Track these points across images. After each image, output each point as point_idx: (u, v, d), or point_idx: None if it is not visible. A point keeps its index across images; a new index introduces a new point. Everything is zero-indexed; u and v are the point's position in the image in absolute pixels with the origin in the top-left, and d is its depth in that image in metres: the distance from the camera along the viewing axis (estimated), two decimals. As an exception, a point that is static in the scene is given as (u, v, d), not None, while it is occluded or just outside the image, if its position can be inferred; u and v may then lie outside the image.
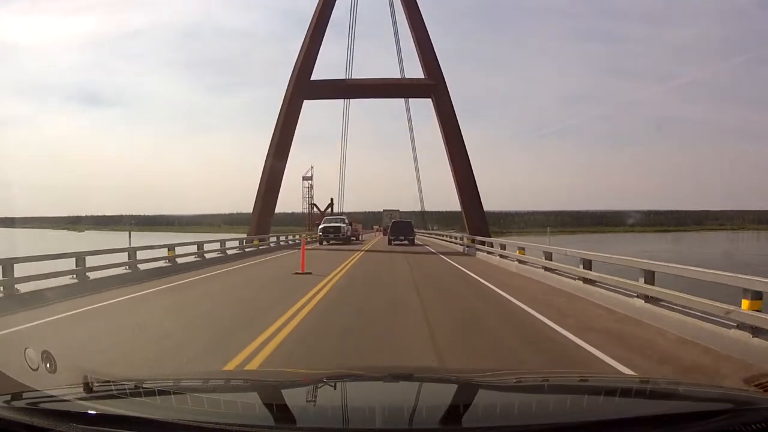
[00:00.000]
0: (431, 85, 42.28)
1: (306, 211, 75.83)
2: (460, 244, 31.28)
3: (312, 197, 75.60)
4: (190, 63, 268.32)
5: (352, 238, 44.29)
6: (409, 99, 55.38)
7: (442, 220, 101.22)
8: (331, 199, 67.91)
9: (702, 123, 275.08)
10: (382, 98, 50.79)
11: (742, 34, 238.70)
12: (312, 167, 79.32)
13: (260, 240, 31.85)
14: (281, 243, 34.62)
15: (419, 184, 71.60)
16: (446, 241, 39.70)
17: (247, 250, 27.46)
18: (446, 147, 42.10)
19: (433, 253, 29.54)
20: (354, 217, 58.22)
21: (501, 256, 19.86)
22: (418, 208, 75.59)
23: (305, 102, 43.05)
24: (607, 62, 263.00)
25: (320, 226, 40.66)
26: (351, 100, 52.51)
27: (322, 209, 65.60)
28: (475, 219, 40.53)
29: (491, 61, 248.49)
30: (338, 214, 58.60)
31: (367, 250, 31.04)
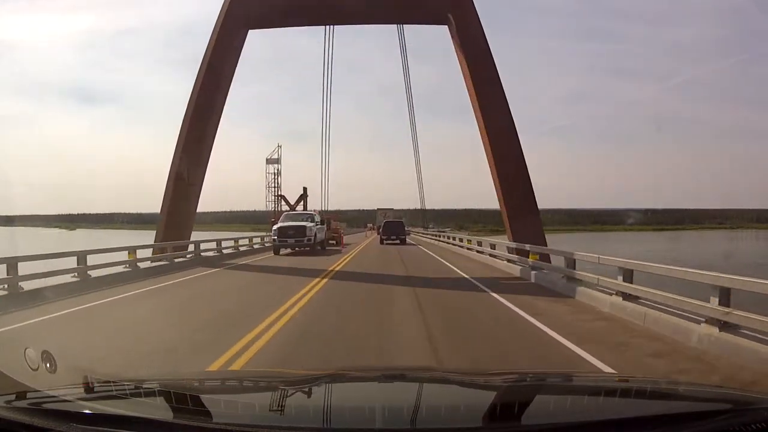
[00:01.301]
0: (447, 2, 24.36)
1: (272, 205, 56.46)
2: (506, 259, 18.17)
3: (279, 186, 56.65)
4: (187, 61, 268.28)
5: (331, 241, 33.89)
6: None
7: (437, 218, 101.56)
8: (304, 189, 50.03)
9: (701, 122, 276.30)
10: (370, 24, 33.33)
11: (743, 34, 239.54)
12: (279, 147, 60.64)
13: (159, 252, 19.62)
14: (204, 254, 21.94)
15: (420, 179, 69.66)
16: (461, 247, 27.08)
17: (112, 271, 15.15)
18: (476, 103, 24.04)
19: (474, 286, 13.79)
20: (336, 215, 47.02)
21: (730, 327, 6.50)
22: (416, 206, 75.04)
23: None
24: (606, 62, 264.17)
25: (275, 227, 27.29)
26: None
27: (293, 202, 49.45)
28: (522, 218, 22.56)
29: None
30: (323, 210, 45.17)
31: (337, 274, 16.70)
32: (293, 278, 15.34)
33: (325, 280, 14.66)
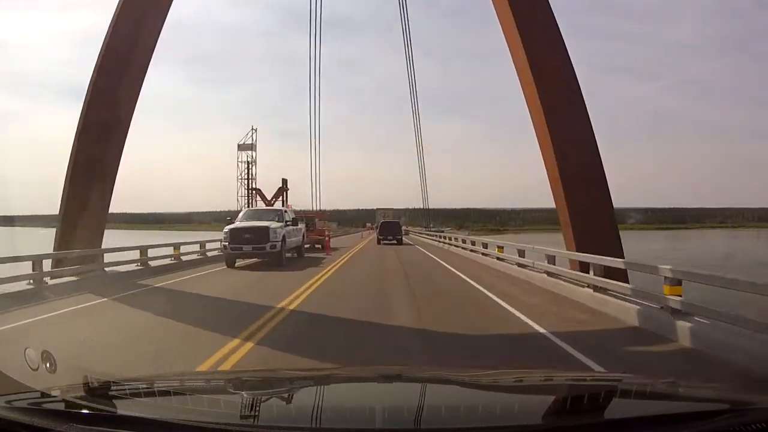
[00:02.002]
0: None
1: (245, 201, 46.80)
2: (588, 284, 10.61)
3: (254, 178, 45.97)
4: (183, 59, 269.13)
5: (317, 245, 29.36)
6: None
7: (436, 217, 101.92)
8: (284, 181, 41.55)
9: (700, 121, 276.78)
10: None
11: (743, 33, 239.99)
12: (254, 130, 48.76)
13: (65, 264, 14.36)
14: (121, 269, 16.35)
15: (423, 178, 67.82)
16: (485, 255, 20.01)
17: None
18: (523, 56, 15.38)
19: (590, 372, 5.50)
20: (321, 213, 38.92)
21: None
22: (416, 205, 75.25)
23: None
24: (604, 60, 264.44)
25: (226, 228, 19.67)
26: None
27: (269, 197, 41.43)
28: (590, 220, 14.58)
29: (486, 57, 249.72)
30: (307, 209, 37.29)
31: (286, 321, 8.97)
32: (195, 334, 8.14)
33: (248, 346, 7.07)
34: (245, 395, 2.42)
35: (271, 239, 19.15)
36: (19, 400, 1.83)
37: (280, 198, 41.23)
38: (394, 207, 76.51)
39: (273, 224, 19.82)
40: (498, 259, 18.24)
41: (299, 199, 48.71)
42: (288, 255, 21.67)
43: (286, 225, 20.96)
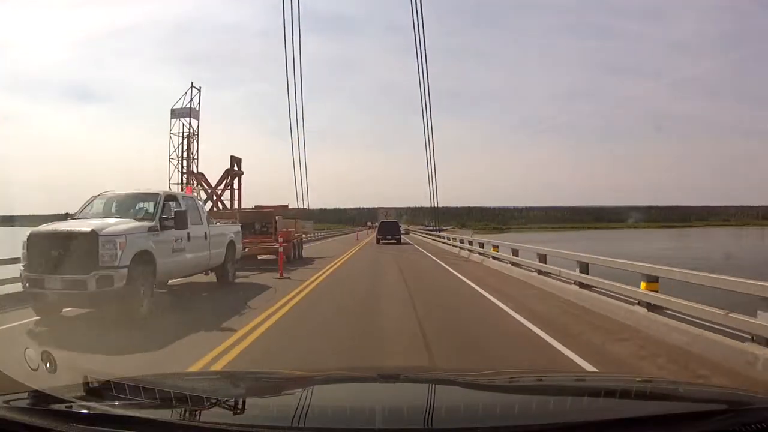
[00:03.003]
0: None
1: (180, 190, 28.92)
2: None
3: (194, 158, 30.52)
4: (183, 59, 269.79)
5: (276, 261, 16.72)
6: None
7: (438, 216, 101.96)
8: (233, 161, 28.48)
9: (702, 119, 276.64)
10: None
11: (743, 31, 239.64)
12: (196, 88, 30.79)
13: None
14: None
15: (432, 176, 66.02)
16: (584, 287, 9.73)
17: None
18: None
19: None
20: (282, 209, 24.44)
21: None
22: (418, 203, 75.54)
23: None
24: (604, 59, 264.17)
25: (25, 237, 8.58)
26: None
27: (214, 184, 28.40)
28: None
29: (487, 57, 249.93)
30: (267, 206, 23.89)
31: None
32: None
33: None
34: (245, 395, 2.42)
35: (103, 262, 8.34)
36: (19, 400, 1.83)
37: (229, 187, 28.64)
38: (398, 206, 77.29)
39: (116, 227, 8.95)
40: (637, 306, 8.06)
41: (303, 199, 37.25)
42: (222, 278, 13.28)
43: (163, 228, 9.90)
